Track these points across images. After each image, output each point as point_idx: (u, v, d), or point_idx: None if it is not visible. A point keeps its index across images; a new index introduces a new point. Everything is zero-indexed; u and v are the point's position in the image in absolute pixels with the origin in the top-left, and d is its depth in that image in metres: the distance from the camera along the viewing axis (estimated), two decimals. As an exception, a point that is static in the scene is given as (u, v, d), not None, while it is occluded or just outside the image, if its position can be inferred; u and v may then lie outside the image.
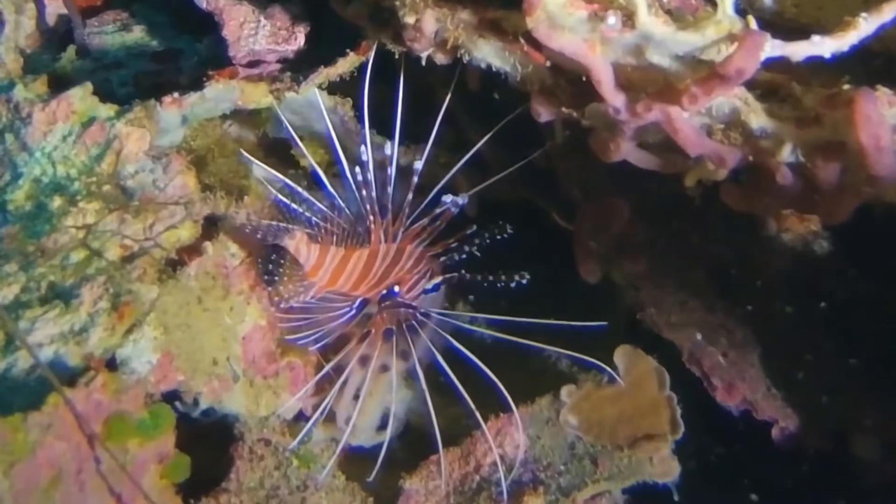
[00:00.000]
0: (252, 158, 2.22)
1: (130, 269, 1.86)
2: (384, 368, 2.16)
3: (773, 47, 1.59)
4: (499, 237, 2.15)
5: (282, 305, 2.08)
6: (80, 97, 2.04)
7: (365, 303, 2.21)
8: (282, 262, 2.08)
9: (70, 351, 1.76)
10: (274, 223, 2.08)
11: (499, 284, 2.12)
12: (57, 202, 1.94)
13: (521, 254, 2.17)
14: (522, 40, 1.83)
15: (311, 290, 2.12)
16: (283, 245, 2.06)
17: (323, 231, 2.13)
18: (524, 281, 2.11)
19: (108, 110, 2.06)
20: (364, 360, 2.14)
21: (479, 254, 2.17)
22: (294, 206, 2.15)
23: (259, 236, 2.06)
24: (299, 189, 2.18)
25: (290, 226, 2.08)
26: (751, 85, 1.71)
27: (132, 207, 1.91)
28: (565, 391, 2.19)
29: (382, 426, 2.25)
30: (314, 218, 2.16)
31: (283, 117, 2.28)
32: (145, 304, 1.84)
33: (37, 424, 1.54)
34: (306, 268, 2.10)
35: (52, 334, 1.77)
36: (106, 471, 1.63)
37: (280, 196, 2.16)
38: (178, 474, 1.76)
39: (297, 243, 2.07)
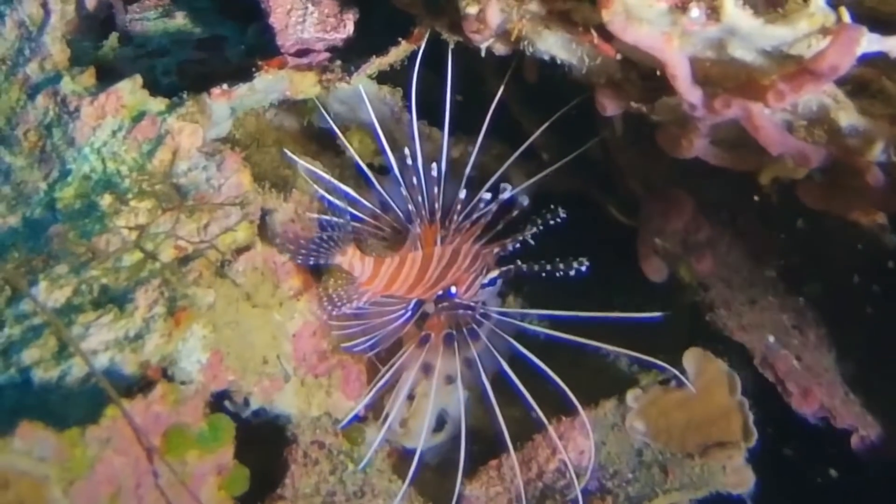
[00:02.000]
0: (295, 157, 2.16)
1: (186, 271, 1.80)
2: (449, 380, 2.09)
3: (869, 42, 1.50)
4: (552, 223, 2.09)
5: (333, 312, 2.02)
6: (130, 90, 1.98)
7: (420, 303, 2.15)
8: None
9: (126, 358, 1.70)
10: (322, 240, 2.00)
11: (557, 273, 2.05)
12: (107, 201, 1.88)
13: (575, 250, 2.10)
14: (594, 32, 1.74)
15: (365, 296, 2.06)
16: (335, 264, 2.01)
17: (376, 241, 2.08)
18: (583, 268, 2.04)
19: (158, 104, 2.00)
20: (427, 369, 2.08)
21: (532, 242, 2.10)
22: (342, 205, 2.09)
23: (311, 261, 1.99)
24: (348, 189, 2.14)
25: (339, 241, 2.00)
26: (840, 80, 1.62)
27: (186, 207, 1.85)
28: (631, 395, 2.12)
29: (438, 428, 2.19)
30: (365, 226, 2.12)
31: (325, 114, 2.25)
32: (202, 309, 1.78)
33: (95, 439, 1.49)
34: (361, 279, 2.04)
35: (107, 340, 1.72)
36: (164, 485, 1.59)
37: (328, 196, 2.11)
38: (237, 487, 1.72)
39: (350, 259, 2.02)
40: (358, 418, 2.11)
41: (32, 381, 1.68)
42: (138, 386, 1.66)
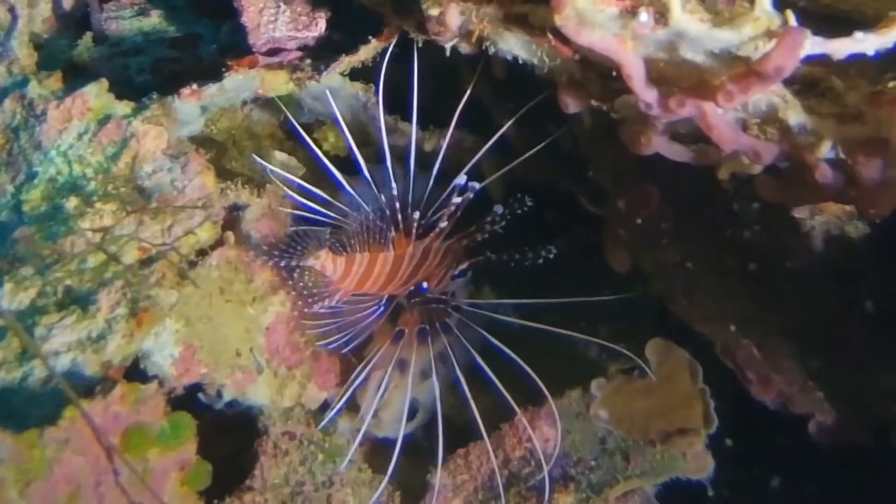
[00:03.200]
0: (265, 163, 2.18)
1: (149, 273, 1.83)
2: (424, 376, 2.13)
3: (813, 45, 1.52)
4: (519, 212, 2.12)
5: (307, 311, 2.05)
6: (96, 94, 2.01)
7: (392, 298, 2.18)
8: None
9: (87, 359, 1.74)
10: (294, 242, 2.03)
11: (526, 262, 2.09)
12: (73, 203, 1.91)
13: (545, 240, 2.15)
14: (550, 35, 1.76)
15: (337, 294, 2.09)
16: (309, 266, 2.03)
17: (346, 239, 2.09)
18: (551, 255, 2.09)
19: (124, 108, 2.03)
20: (402, 366, 2.12)
21: (501, 231, 2.14)
22: (313, 206, 2.11)
23: (283, 264, 2.02)
24: (317, 191, 2.15)
25: (312, 246, 2.03)
26: (789, 80, 1.63)
27: (150, 209, 1.88)
28: (595, 384, 2.15)
29: (410, 418, 2.21)
30: (335, 222, 2.13)
31: (293, 119, 2.29)
32: (164, 310, 1.81)
33: (53, 440, 1.52)
34: (333, 278, 2.07)
35: (69, 342, 1.75)
36: (125, 482, 1.62)
37: (297, 198, 2.14)
38: (199, 482, 1.75)
39: (323, 262, 2.06)
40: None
41: (-6, 383, 1.71)
42: (100, 386, 1.69)
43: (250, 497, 1.92)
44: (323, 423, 2.08)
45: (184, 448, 1.71)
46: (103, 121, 2.00)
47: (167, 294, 1.83)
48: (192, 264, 1.95)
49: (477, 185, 2.13)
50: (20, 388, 1.69)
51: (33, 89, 2.05)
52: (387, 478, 2.04)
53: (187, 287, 1.91)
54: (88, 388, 1.67)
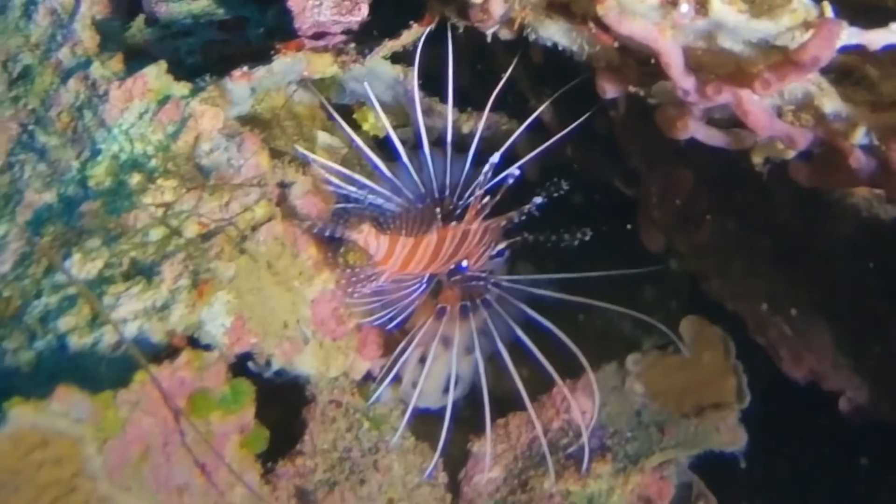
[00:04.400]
0: (308, 153, 2.21)
1: (208, 247, 1.90)
2: (468, 350, 2.19)
3: (849, 35, 1.59)
4: (556, 195, 2.16)
5: (353, 293, 2.11)
6: (156, 75, 2.08)
7: (434, 276, 2.25)
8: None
9: (153, 327, 1.81)
10: (339, 214, 2.09)
11: (562, 243, 2.13)
12: (136, 179, 1.98)
13: (581, 221, 2.19)
14: (591, 23, 1.83)
15: (382, 276, 2.15)
16: (352, 240, 2.09)
17: (390, 220, 2.15)
18: (586, 237, 2.12)
19: (182, 88, 2.09)
20: (446, 341, 2.18)
21: (537, 213, 2.17)
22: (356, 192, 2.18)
23: (327, 232, 2.06)
24: (358, 177, 2.21)
25: (356, 219, 2.09)
26: (825, 69, 1.70)
27: (208, 186, 1.96)
28: (631, 359, 2.23)
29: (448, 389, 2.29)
30: (378, 205, 2.19)
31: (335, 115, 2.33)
32: (223, 282, 1.88)
33: (126, 401, 1.59)
34: (377, 258, 2.12)
35: (136, 310, 1.83)
36: (190, 443, 1.69)
37: (339, 183, 2.18)
38: (257, 446, 1.81)
39: (366, 237, 2.10)
40: (377, 380, 2.21)
41: (68, 347, 1.79)
42: (165, 353, 1.76)
43: (302, 461, 1.98)
44: (371, 399, 2.15)
45: (243, 412, 1.78)
46: (163, 101, 2.07)
47: (226, 267, 1.90)
48: (243, 239, 2.00)
49: (517, 171, 2.17)
50: (91, 353, 1.78)
51: (96, 70, 2.12)
52: (438, 452, 2.11)
53: (240, 260, 1.99)
54: (155, 354, 1.75)
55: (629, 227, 2.43)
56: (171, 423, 1.68)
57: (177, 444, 1.68)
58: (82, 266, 1.89)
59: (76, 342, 1.80)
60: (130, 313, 1.83)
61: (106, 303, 1.82)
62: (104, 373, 1.75)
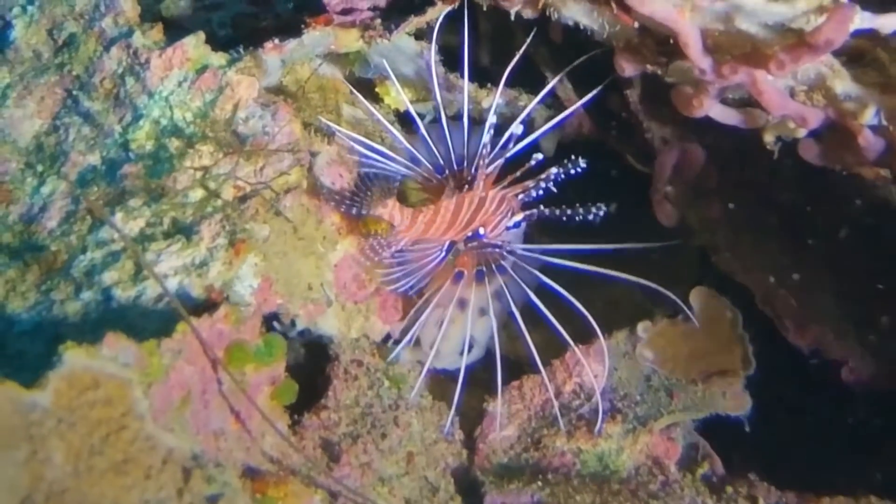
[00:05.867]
0: (332, 125, 2.27)
1: (244, 208, 2.00)
2: (482, 312, 2.27)
3: (862, 20, 1.66)
4: (573, 172, 2.19)
5: (375, 259, 2.18)
6: (194, 45, 2.17)
7: (453, 244, 2.31)
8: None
9: (192, 282, 1.91)
10: (364, 192, 2.14)
11: (577, 218, 2.19)
12: (175, 143, 2.08)
13: (595, 195, 2.23)
14: (613, 4, 1.91)
15: (402, 242, 2.21)
16: (377, 215, 2.14)
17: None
18: (601, 213, 2.16)
19: (219, 58, 2.18)
20: (462, 304, 2.26)
21: (555, 189, 2.23)
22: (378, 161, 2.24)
23: (353, 211, 2.13)
24: (381, 148, 2.26)
25: (379, 194, 2.14)
26: (837, 51, 1.78)
27: (244, 152, 2.05)
28: (641, 327, 2.32)
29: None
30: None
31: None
32: (258, 242, 1.98)
33: (169, 349, 1.68)
34: (401, 228, 2.19)
35: (176, 266, 1.93)
36: (226, 392, 1.79)
37: (363, 151, 2.24)
38: (287, 397, 1.91)
39: (391, 210, 2.16)
40: (396, 341, 2.29)
41: (113, 299, 1.89)
42: (203, 307, 1.85)
43: (326, 414, 2.07)
44: (391, 356, 2.23)
45: (276, 365, 1.87)
46: (201, 70, 2.17)
47: (260, 228, 2.00)
48: (276, 202, 2.08)
49: (541, 156, 2.21)
50: (135, 305, 1.88)
51: (137, 39, 2.22)
52: (453, 407, 2.19)
53: (272, 223, 2.07)
54: (194, 308, 1.84)
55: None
56: (209, 372, 1.77)
57: (214, 392, 1.78)
58: (124, 224, 2.00)
59: (120, 295, 1.90)
60: (171, 269, 1.93)
61: (147, 259, 1.92)
62: (147, 324, 1.85)
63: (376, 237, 2.19)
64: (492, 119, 2.22)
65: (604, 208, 2.18)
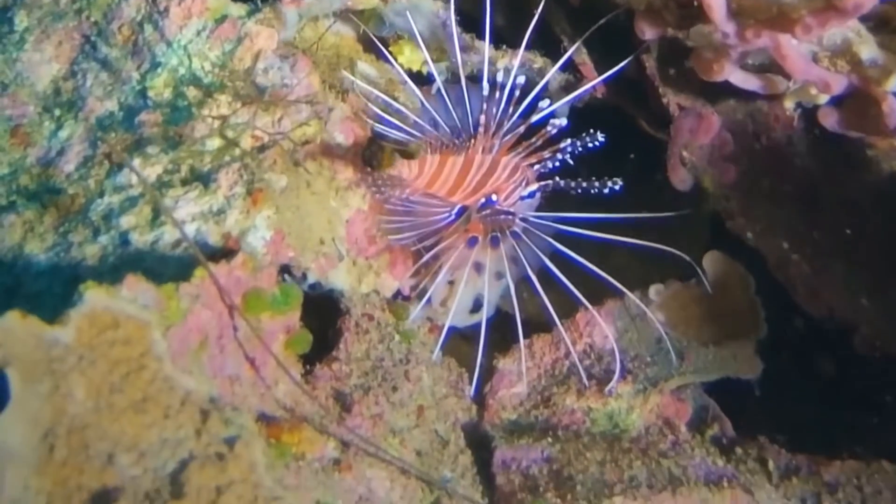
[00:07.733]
0: (351, 77, 2.28)
1: (262, 158, 2.00)
2: (499, 276, 2.27)
3: (892, -16, 1.66)
4: (591, 145, 2.19)
5: (379, 198, 2.18)
6: (213, -5, 2.16)
7: (463, 210, 2.30)
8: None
9: (210, 229, 1.92)
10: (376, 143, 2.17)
11: (592, 191, 2.18)
12: (193, 92, 2.08)
13: (608, 158, 2.23)
14: (637, -36, 1.91)
15: (408, 189, 2.21)
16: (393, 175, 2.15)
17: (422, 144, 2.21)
18: (617, 187, 2.16)
19: (239, 9, 2.17)
20: (479, 268, 2.25)
21: (571, 162, 2.23)
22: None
23: (374, 191, 2.14)
24: (396, 104, 2.26)
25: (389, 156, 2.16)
26: (864, 17, 1.78)
27: (263, 102, 2.04)
28: (653, 289, 2.33)
29: (474, 309, 2.40)
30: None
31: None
32: (276, 192, 1.98)
33: (187, 293, 1.69)
34: (409, 179, 2.19)
35: (194, 213, 1.93)
36: (242, 338, 1.79)
37: (378, 111, 2.25)
38: (300, 347, 1.92)
39: (400, 168, 2.17)
40: (405, 298, 2.31)
41: (130, 243, 1.90)
42: (220, 254, 1.86)
43: (337, 366, 2.07)
44: (412, 317, 2.23)
45: (291, 314, 1.88)
46: (220, 20, 2.16)
47: (278, 178, 2.00)
48: (294, 153, 2.09)
49: (560, 122, 2.20)
50: (152, 250, 1.89)
51: (157, -13, 2.22)
52: (477, 369, 2.18)
53: (288, 174, 2.07)
54: (211, 254, 1.85)
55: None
56: (226, 318, 1.77)
57: (230, 338, 1.78)
58: (142, 170, 1.99)
59: (138, 239, 1.90)
60: (188, 215, 1.93)
61: (165, 205, 1.92)
62: (164, 269, 1.85)
63: (382, 175, 2.17)
64: (520, 80, 2.21)
65: (620, 182, 2.17)
